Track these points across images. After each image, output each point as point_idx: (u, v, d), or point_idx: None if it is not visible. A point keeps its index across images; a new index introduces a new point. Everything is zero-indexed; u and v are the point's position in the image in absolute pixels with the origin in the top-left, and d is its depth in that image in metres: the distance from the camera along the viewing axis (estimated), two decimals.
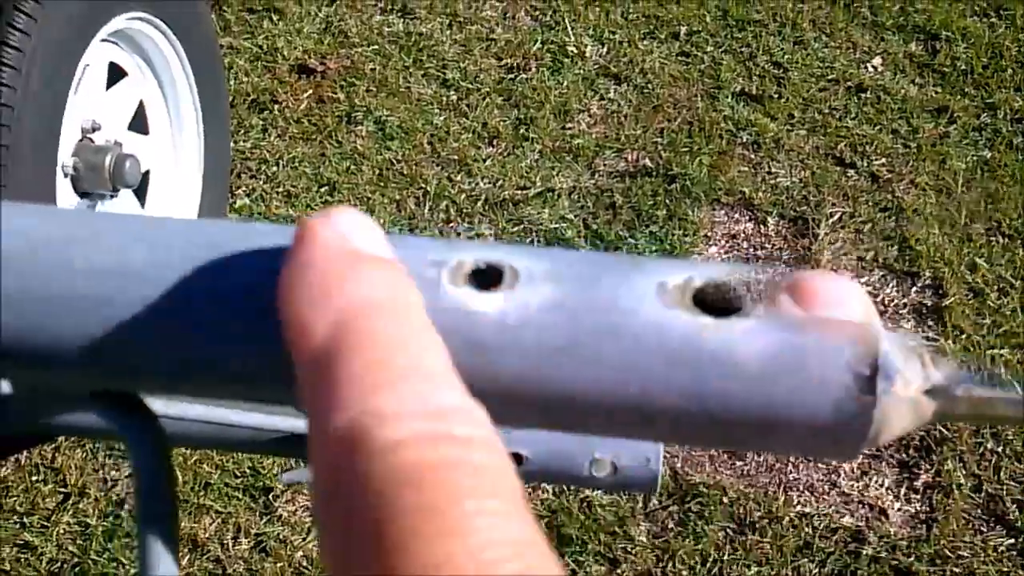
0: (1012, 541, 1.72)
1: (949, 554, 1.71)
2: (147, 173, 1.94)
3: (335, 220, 0.28)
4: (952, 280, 2.13)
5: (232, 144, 2.24)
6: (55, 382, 0.32)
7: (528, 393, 0.30)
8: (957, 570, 1.69)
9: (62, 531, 1.72)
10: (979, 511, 1.76)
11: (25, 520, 1.73)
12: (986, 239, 2.23)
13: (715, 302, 0.30)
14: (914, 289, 2.15)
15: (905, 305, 2.13)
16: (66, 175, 1.77)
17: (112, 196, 1.85)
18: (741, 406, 0.29)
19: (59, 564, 1.69)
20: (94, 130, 1.82)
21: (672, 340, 0.29)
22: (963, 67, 2.56)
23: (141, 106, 1.94)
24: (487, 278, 0.30)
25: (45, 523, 1.73)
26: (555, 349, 0.29)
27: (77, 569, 1.68)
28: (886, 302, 2.13)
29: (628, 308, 0.29)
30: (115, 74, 1.88)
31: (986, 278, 2.14)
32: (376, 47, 2.61)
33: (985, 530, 1.74)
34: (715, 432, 0.30)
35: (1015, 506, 1.76)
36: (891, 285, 2.16)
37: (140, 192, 1.95)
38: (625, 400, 0.29)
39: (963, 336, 2.04)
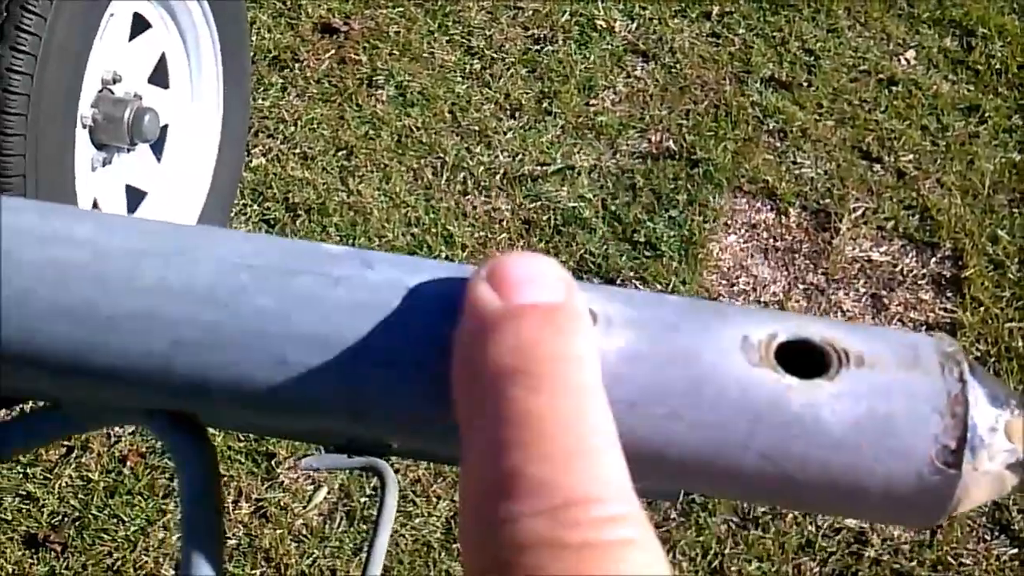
0: (1015, 551, 1.71)
1: (951, 561, 1.70)
2: (165, 127, 1.92)
3: (497, 270, 0.26)
4: (972, 251, 2.11)
5: (251, 102, 2.21)
6: (111, 397, 0.31)
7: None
8: None
9: (64, 484, 1.72)
10: (983, 519, 1.75)
11: (28, 471, 1.73)
12: (1008, 210, 2.20)
13: (799, 358, 0.29)
14: (933, 260, 2.13)
15: (924, 276, 2.11)
16: (84, 126, 1.74)
17: (129, 150, 1.83)
18: (821, 471, 0.28)
19: (60, 517, 1.69)
20: (115, 81, 1.79)
21: (756, 399, 0.28)
22: (998, 66, 2.51)
23: (163, 59, 1.91)
24: None
25: (48, 475, 1.72)
26: (631, 403, 0.28)
27: (78, 523, 1.68)
28: (905, 272, 2.11)
29: (710, 362, 0.28)
30: (138, 25, 1.85)
31: (1007, 250, 2.12)
32: (401, 9, 2.57)
33: (989, 538, 1.73)
34: (789, 495, 0.29)
35: (1020, 515, 1.75)
36: (911, 255, 2.14)
37: (157, 147, 1.92)
38: (700, 458, 0.28)
39: (982, 308, 2.03)
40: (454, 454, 0.28)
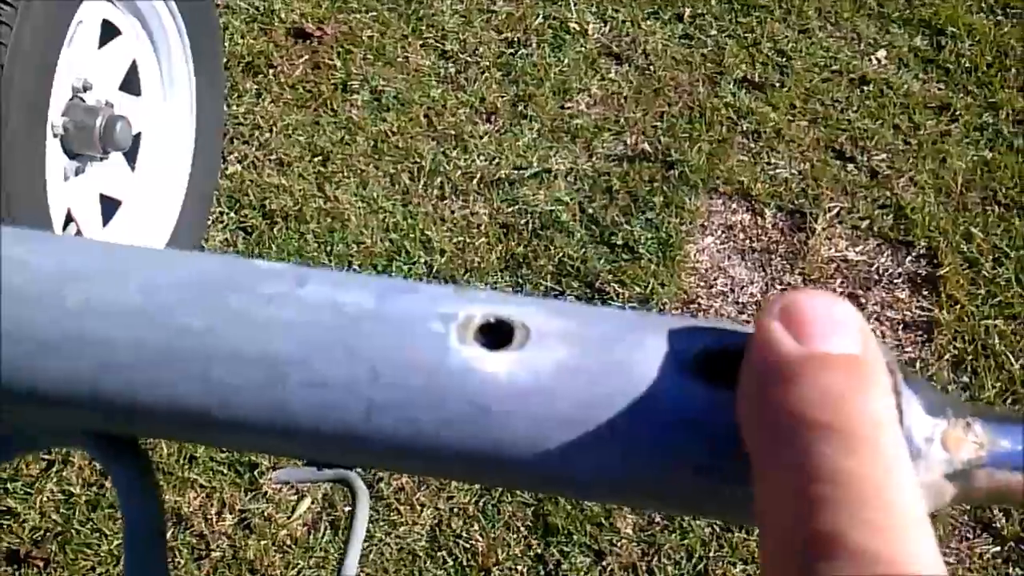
0: (997, 549, 1.73)
1: None
2: (138, 135, 1.89)
3: (795, 310, 0.25)
4: (947, 250, 2.14)
5: (225, 108, 2.19)
6: (45, 421, 0.31)
7: (532, 462, 0.28)
8: None
9: (45, 499, 1.69)
10: (966, 518, 1.77)
11: (8, 486, 1.70)
12: (981, 208, 2.23)
13: (719, 367, 0.29)
14: (909, 258, 2.16)
15: (900, 275, 2.13)
16: (55, 135, 1.72)
17: (102, 158, 1.80)
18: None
19: (42, 532, 1.66)
20: (85, 89, 1.76)
21: (689, 412, 0.28)
22: (967, 64, 2.54)
23: (134, 66, 1.89)
24: (497, 334, 0.29)
25: (28, 490, 1.70)
26: (565, 418, 0.28)
27: (60, 537, 1.66)
28: (880, 271, 2.14)
29: (643, 376, 0.28)
30: (108, 32, 1.83)
31: (981, 247, 2.15)
32: (374, 14, 2.56)
33: (971, 537, 1.75)
34: (734, 509, 0.29)
35: (1001, 514, 1.77)
36: (886, 254, 2.16)
37: (131, 155, 1.90)
38: (637, 475, 0.28)
39: (957, 306, 2.05)
40: (417, 469, 0.28)
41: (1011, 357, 1.96)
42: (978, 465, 0.29)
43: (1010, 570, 1.71)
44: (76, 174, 1.77)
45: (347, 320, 0.28)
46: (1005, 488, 0.29)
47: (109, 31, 1.83)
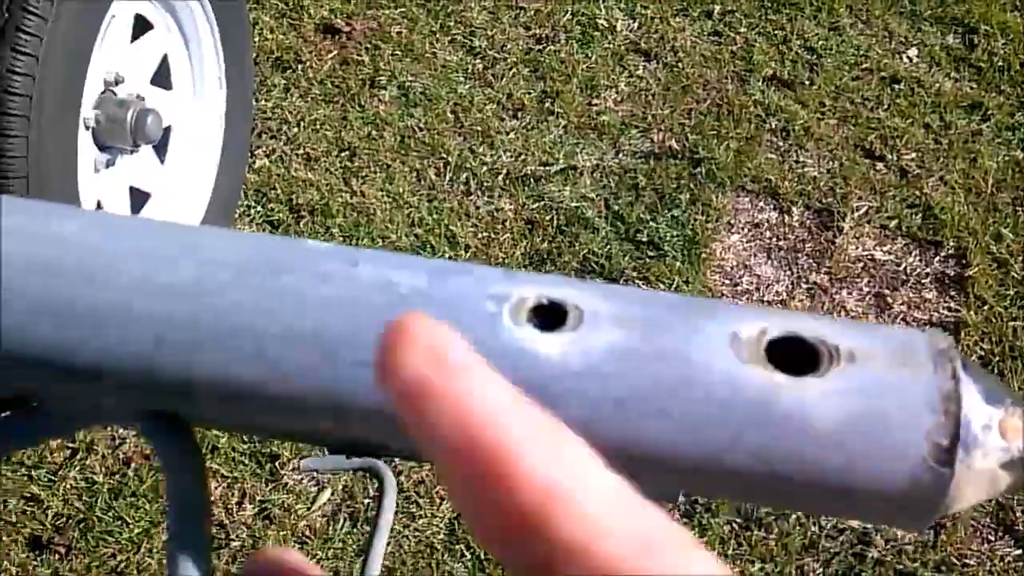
0: (1020, 551, 1.71)
1: (955, 561, 1.70)
2: (168, 129, 1.92)
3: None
4: (976, 250, 2.11)
5: (254, 103, 2.21)
6: (94, 397, 0.31)
7: (589, 444, 0.28)
8: None
9: (68, 486, 1.72)
10: (988, 520, 1.75)
11: (32, 473, 1.73)
12: (1012, 208, 2.20)
13: (789, 355, 0.28)
14: (937, 259, 2.13)
15: (928, 275, 2.11)
16: (87, 128, 1.75)
17: (133, 151, 1.83)
18: (812, 471, 0.28)
19: (64, 519, 1.69)
20: (117, 83, 1.79)
21: (745, 398, 0.28)
22: (1000, 63, 2.51)
23: (165, 60, 1.92)
24: (550, 317, 0.28)
25: (52, 477, 1.73)
26: (619, 400, 0.27)
27: (82, 525, 1.68)
28: (908, 271, 2.11)
29: (699, 360, 0.28)
30: (140, 26, 1.85)
31: (1011, 248, 2.12)
32: (403, 10, 2.57)
33: (993, 539, 1.73)
34: (781, 495, 0.29)
35: (1023, 516, 1.74)
36: (914, 254, 2.14)
37: (160, 148, 1.92)
38: (689, 458, 0.28)
39: (985, 307, 2.02)
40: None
41: None
42: None
43: None
44: (107, 166, 1.80)
45: (399, 300, 0.28)
46: None
47: (141, 25, 1.85)
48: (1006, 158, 2.31)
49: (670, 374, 0.28)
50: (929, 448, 0.27)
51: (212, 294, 0.28)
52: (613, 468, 0.22)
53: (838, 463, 0.28)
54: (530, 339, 0.28)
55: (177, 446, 0.31)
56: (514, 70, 2.46)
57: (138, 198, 1.90)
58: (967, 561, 1.70)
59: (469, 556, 1.69)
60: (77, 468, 1.74)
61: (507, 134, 2.33)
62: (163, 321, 0.28)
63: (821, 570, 1.69)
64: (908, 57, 2.54)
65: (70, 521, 1.69)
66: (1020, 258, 2.11)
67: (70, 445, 1.76)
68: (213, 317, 0.28)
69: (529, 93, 2.41)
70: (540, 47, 2.51)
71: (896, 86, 2.46)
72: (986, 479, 0.28)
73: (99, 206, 1.79)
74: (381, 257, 0.30)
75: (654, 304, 0.29)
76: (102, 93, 1.77)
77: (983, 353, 1.97)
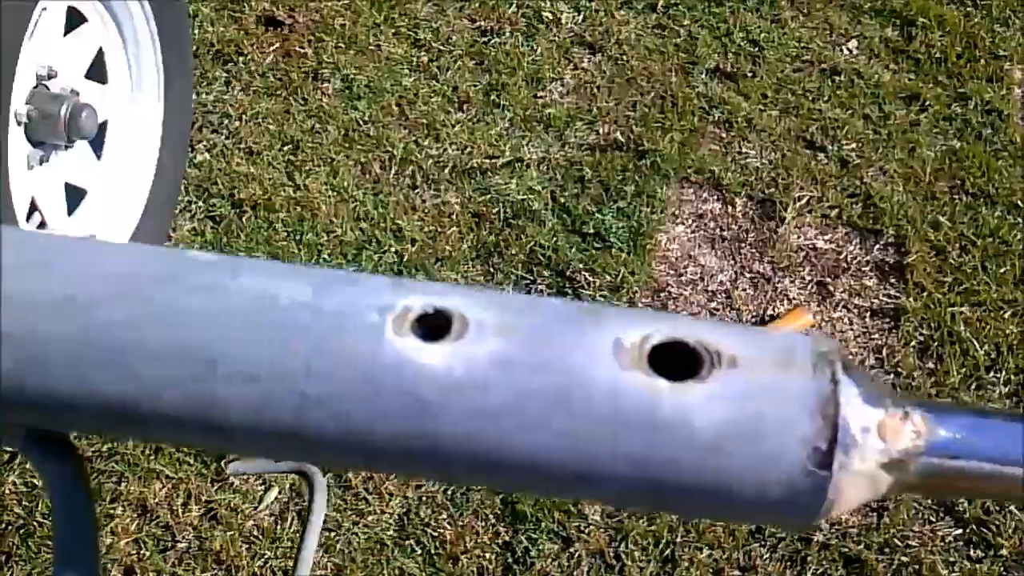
0: (960, 531, 1.75)
1: (898, 543, 1.73)
2: (104, 124, 1.88)
3: None
4: (915, 238, 2.16)
5: (194, 97, 2.17)
6: None
7: (468, 455, 0.28)
8: (905, 559, 1.72)
9: (8, 492, 1.68)
10: (929, 502, 1.78)
11: None
12: (949, 197, 2.25)
13: (672, 360, 0.29)
14: (877, 247, 2.17)
15: (868, 263, 2.15)
16: (19, 123, 1.70)
17: (67, 147, 1.79)
18: (691, 477, 0.28)
19: (4, 525, 1.65)
20: (50, 77, 1.75)
21: (625, 405, 0.27)
22: (937, 55, 2.56)
23: (100, 54, 1.87)
24: (434, 327, 0.28)
25: None
26: (498, 411, 0.27)
27: (22, 531, 1.65)
28: (849, 259, 2.15)
29: (580, 369, 0.28)
30: (73, 20, 1.81)
31: (948, 236, 2.17)
32: (347, 1, 2.54)
33: (934, 520, 1.77)
34: (661, 501, 0.29)
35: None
36: (855, 243, 2.18)
37: (97, 144, 1.88)
38: (570, 467, 0.28)
39: (924, 294, 2.07)
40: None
41: (976, 344, 1.98)
42: (915, 454, 0.29)
43: (971, 552, 1.73)
44: (40, 163, 1.76)
45: (281, 312, 0.28)
46: (940, 476, 0.29)
47: (75, 19, 1.81)
48: (943, 147, 2.36)
49: (551, 384, 0.28)
50: (807, 452, 0.28)
51: (85, 308, 0.27)
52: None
53: (717, 468, 0.28)
54: (413, 349, 0.27)
55: (57, 463, 0.30)
56: (459, 63, 2.45)
57: (74, 195, 1.86)
58: (910, 542, 1.73)
59: (420, 552, 1.69)
60: (16, 472, 1.70)
61: (453, 127, 2.32)
62: (28, 337, 0.27)
63: (768, 555, 1.72)
64: (848, 49, 2.58)
65: (10, 528, 1.65)
66: (957, 245, 2.15)
67: (7, 449, 1.72)
68: (83, 333, 0.27)
69: (475, 86, 2.40)
70: (485, 39, 2.51)
71: (836, 78, 2.50)
72: (866, 480, 0.28)
73: (33, 203, 1.74)
74: (266, 268, 0.29)
75: (541, 312, 0.29)
76: (35, 87, 1.73)
77: (922, 339, 2.01)
